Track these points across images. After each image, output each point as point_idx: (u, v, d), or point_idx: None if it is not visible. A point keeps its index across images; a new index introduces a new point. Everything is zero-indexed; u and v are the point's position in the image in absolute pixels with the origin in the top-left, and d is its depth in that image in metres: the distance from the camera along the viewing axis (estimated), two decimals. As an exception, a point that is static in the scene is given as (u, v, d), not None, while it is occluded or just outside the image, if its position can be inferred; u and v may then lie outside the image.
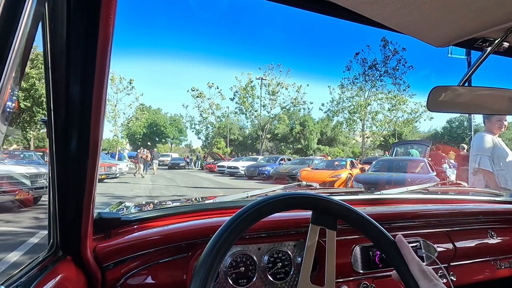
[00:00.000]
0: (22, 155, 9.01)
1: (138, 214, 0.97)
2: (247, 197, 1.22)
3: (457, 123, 37.42)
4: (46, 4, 0.46)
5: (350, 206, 0.62)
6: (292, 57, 49.83)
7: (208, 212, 1.00)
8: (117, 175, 13.76)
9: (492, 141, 2.76)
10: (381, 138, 30.28)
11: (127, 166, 16.89)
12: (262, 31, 49.08)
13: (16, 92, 0.41)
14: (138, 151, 18.28)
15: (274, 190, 1.38)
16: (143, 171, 17.15)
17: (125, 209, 1.15)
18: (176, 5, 48.92)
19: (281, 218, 0.90)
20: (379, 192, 1.35)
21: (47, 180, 0.63)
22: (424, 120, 31.06)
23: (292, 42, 47.72)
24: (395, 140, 28.29)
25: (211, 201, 1.25)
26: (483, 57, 1.00)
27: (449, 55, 7.31)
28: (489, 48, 0.97)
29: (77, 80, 0.52)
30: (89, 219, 0.66)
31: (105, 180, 12.09)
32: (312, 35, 46.09)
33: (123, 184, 11.22)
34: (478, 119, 12.27)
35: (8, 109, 0.39)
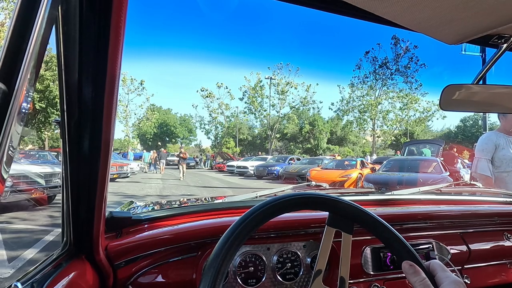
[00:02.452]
0: (37, 155, 9.25)
1: (148, 214, 0.98)
2: (256, 197, 1.22)
3: (471, 122, 36.49)
4: (59, 7, 0.47)
5: (374, 214, 0.61)
6: (301, 56, 49.69)
7: (218, 212, 1.01)
8: (128, 175, 13.97)
9: (494, 142, 2.46)
10: (392, 138, 29.83)
11: (138, 165, 17.07)
12: (271, 31, 48.98)
13: (31, 94, 0.41)
14: (181, 149, 16.82)
15: (283, 190, 1.37)
16: (151, 170, 17.08)
17: (136, 208, 1.16)
18: (186, 6, 49.39)
19: (291, 218, 0.90)
20: (390, 193, 1.32)
21: (61, 180, 0.65)
22: (437, 119, 30.63)
23: (301, 41, 47.50)
24: (407, 139, 27.81)
25: (220, 201, 1.25)
26: (498, 54, 0.98)
27: (463, 52, 7.14)
28: (505, 45, 0.95)
29: (89, 81, 0.53)
30: (101, 218, 0.67)
31: (116, 180, 12.30)
32: (322, 34, 45.75)
33: (134, 184, 11.39)
34: (493, 117, 11.97)
35: (23, 110, 0.40)
